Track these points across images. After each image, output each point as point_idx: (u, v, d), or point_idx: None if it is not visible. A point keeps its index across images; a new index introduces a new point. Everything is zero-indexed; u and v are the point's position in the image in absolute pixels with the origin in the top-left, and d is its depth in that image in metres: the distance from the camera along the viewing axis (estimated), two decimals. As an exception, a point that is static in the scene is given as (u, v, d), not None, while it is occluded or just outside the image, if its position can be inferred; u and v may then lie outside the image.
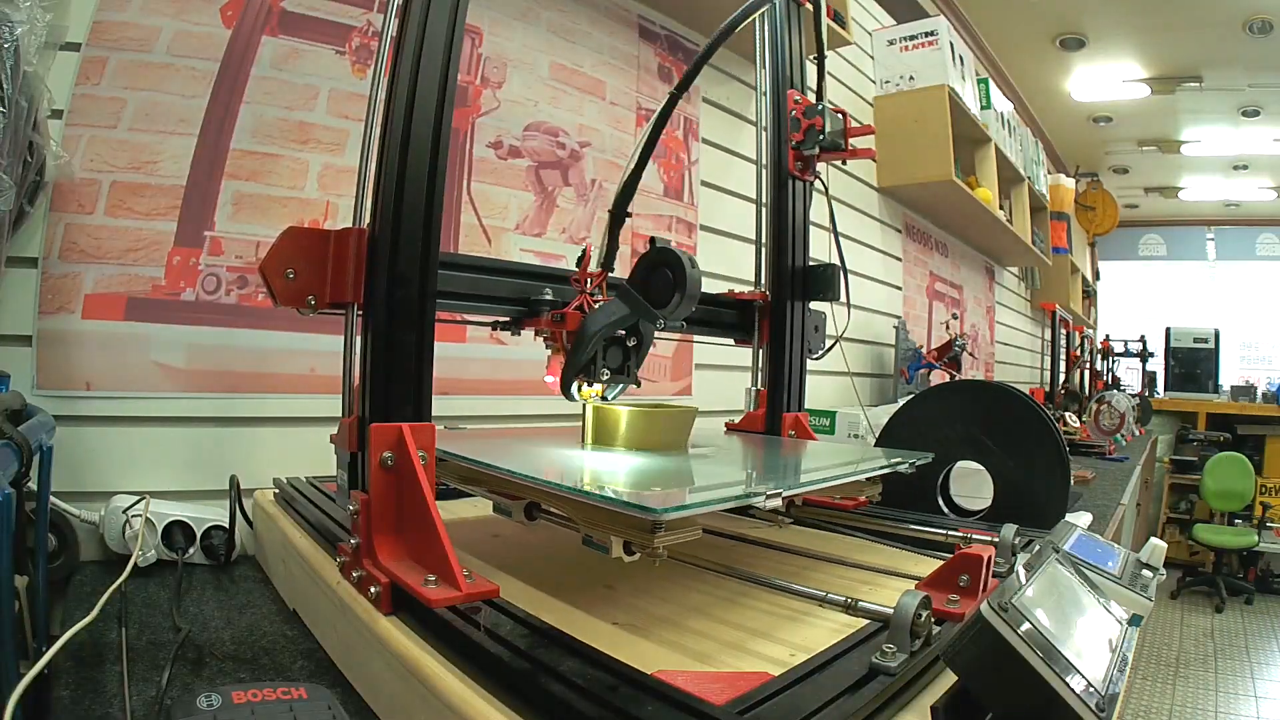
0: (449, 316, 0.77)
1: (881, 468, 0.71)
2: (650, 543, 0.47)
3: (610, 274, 0.71)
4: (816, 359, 1.03)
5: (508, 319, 0.75)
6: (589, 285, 0.70)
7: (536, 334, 0.75)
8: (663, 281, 0.67)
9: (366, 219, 0.59)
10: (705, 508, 0.47)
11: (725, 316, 0.99)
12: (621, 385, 0.71)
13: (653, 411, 0.70)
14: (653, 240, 0.70)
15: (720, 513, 0.88)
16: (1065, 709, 0.33)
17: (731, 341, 1.03)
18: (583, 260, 0.71)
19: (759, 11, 0.72)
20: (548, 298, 0.73)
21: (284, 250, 0.58)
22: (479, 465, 0.59)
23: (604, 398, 0.70)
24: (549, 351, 0.73)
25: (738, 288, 1.04)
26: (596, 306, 0.69)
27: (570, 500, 0.52)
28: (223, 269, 0.91)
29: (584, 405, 0.70)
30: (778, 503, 0.51)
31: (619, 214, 0.69)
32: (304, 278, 0.58)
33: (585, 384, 0.69)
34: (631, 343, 0.70)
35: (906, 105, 2.28)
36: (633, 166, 0.69)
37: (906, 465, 0.72)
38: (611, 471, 0.62)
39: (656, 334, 0.73)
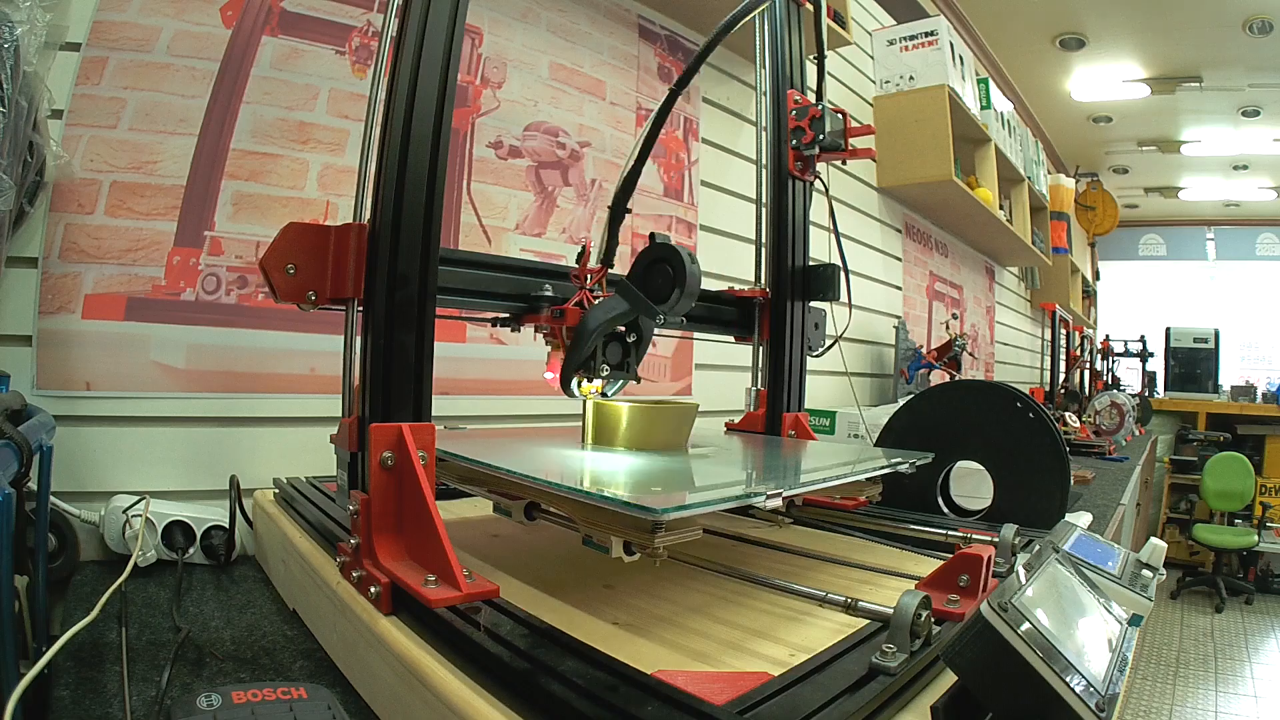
0: (448, 312, 0.76)
1: (882, 468, 0.70)
2: (650, 543, 0.47)
3: (610, 270, 0.71)
4: (816, 356, 1.03)
5: (507, 315, 0.75)
6: (589, 281, 0.70)
7: (536, 330, 0.74)
8: (662, 277, 0.67)
9: (367, 216, 0.59)
10: (706, 508, 0.47)
11: (725, 314, 0.99)
12: (621, 381, 0.71)
13: (654, 408, 0.70)
14: (652, 236, 0.70)
15: (720, 512, 0.88)
16: (1065, 709, 0.33)
17: (732, 339, 1.03)
18: (582, 256, 0.71)
19: (758, 10, 0.72)
20: (548, 294, 0.73)
21: (285, 245, 0.58)
22: (479, 465, 0.59)
23: (604, 394, 0.70)
24: (549, 348, 0.73)
25: (738, 287, 1.04)
26: (596, 302, 0.69)
27: (570, 500, 0.51)
28: (223, 269, 0.91)
29: (584, 403, 0.70)
30: (778, 503, 0.51)
31: (618, 210, 0.70)
32: (305, 273, 0.58)
33: (585, 379, 0.69)
34: (631, 339, 0.70)
35: (906, 105, 2.28)
36: (632, 163, 0.69)
37: (907, 465, 0.72)
38: (612, 471, 0.62)
39: (658, 332, 0.73)
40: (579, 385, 0.69)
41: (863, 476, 0.69)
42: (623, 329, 0.69)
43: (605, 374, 0.69)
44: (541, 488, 0.54)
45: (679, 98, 0.71)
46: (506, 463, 0.58)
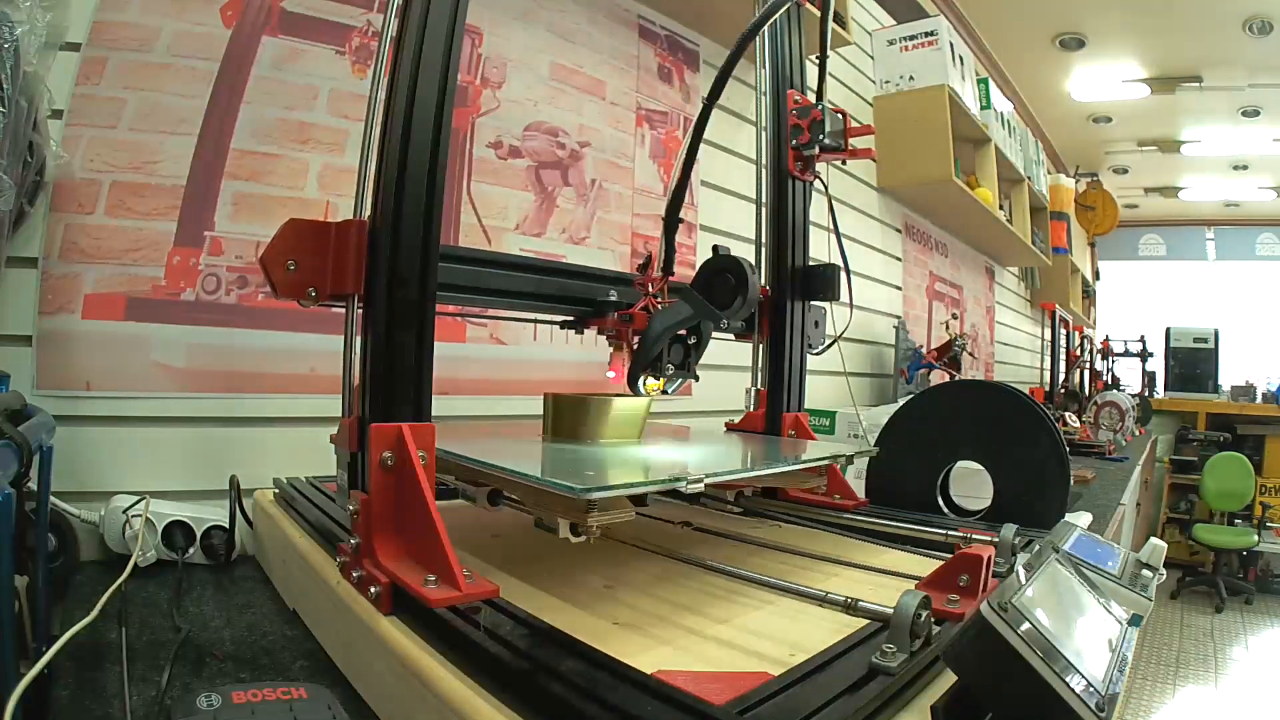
0: (521, 315, 0.86)
1: (820, 459, 0.74)
2: (585, 521, 0.51)
3: (670, 278, 0.76)
4: (816, 354, 1.03)
5: (572, 318, 0.81)
6: (653, 288, 0.75)
7: (600, 332, 0.80)
8: (724, 286, 0.76)
9: (367, 215, 0.59)
10: (629, 490, 0.50)
11: (726, 313, 1.00)
12: (682, 379, 0.76)
13: (603, 401, 0.72)
14: (715, 249, 0.79)
15: (719, 512, 0.88)
16: (1065, 709, 0.33)
17: (732, 337, 1.03)
18: (647, 265, 0.76)
19: (782, 10, 0.73)
20: (613, 299, 0.79)
21: (285, 241, 0.58)
22: (444, 454, 0.60)
23: (664, 390, 0.75)
24: (611, 349, 0.79)
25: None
26: (662, 308, 0.74)
27: (519, 484, 0.55)
28: (223, 269, 0.91)
29: (545, 400, 0.74)
30: (700, 487, 0.54)
31: (672, 221, 0.75)
32: (305, 269, 0.58)
33: (650, 378, 0.73)
34: (692, 341, 0.75)
35: (906, 105, 2.28)
36: (678, 176, 0.73)
37: (844, 459, 0.74)
38: (556, 459, 0.64)
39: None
40: (644, 383, 0.73)
41: (797, 467, 0.73)
42: (684, 332, 0.74)
43: (670, 373, 0.73)
44: (492, 472, 0.57)
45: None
46: (466, 450, 0.60)
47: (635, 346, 0.74)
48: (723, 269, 0.77)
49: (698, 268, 0.84)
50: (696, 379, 0.77)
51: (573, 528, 0.53)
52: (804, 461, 0.73)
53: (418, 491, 0.54)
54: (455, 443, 0.64)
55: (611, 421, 0.72)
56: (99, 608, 0.56)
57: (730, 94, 1.72)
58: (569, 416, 0.72)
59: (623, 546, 0.71)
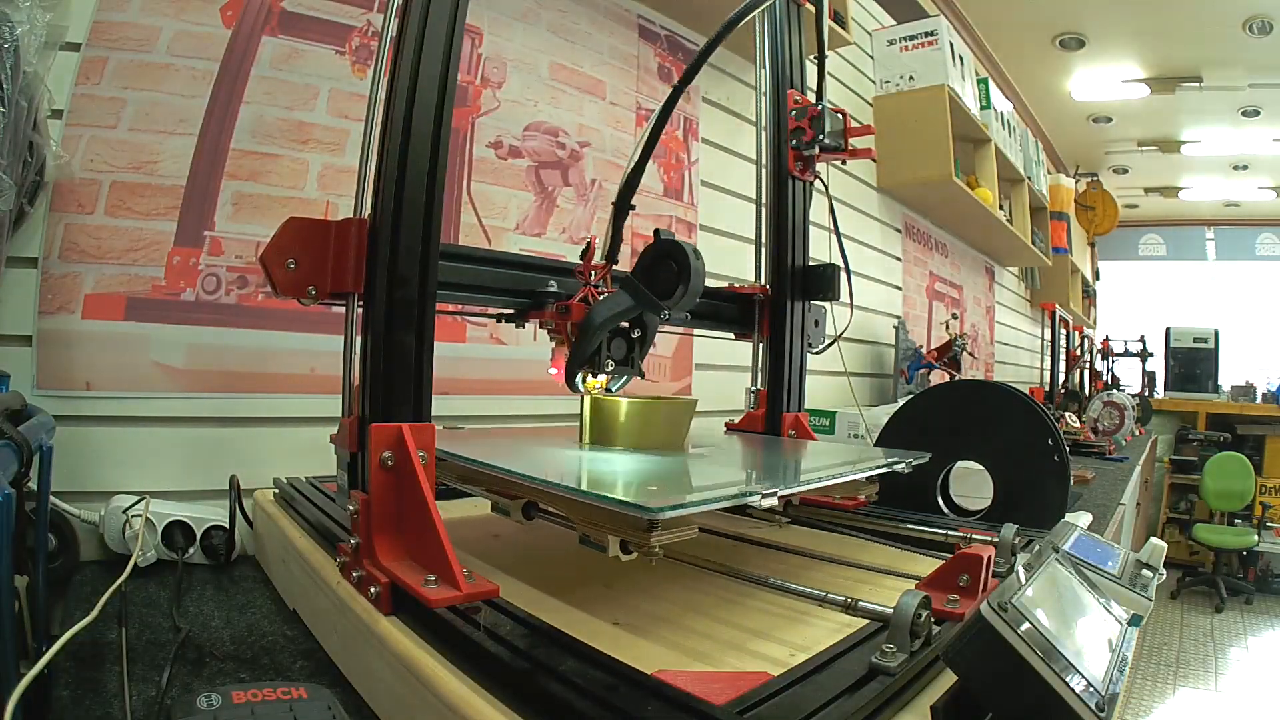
0: (450, 308, 0.76)
1: (878, 467, 0.70)
2: (647, 541, 0.47)
3: (614, 266, 0.71)
4: (816, 354, 1.03)
5: (511, 311, 0.75)
6: (593, 277, 0.70)
7: (540, 326, 0.74)
8: (667, 273, 0.67)
9: (367, 214, 0.59)
10: (701, 507, 0.47)
11: (726, 310, 0.99)
12: (626, 377, 0.71)
13: (651, 404, 0.69)
14: (657, 232, 0.70)
15: (719, 512, 0.88)
16: (1065, 709, 0.33)
17: (732, 336, 1.03)
18: (587, 253, 0.71)
19: (760, 9, 0.72)
20: (552, 290, 0.73)
21: (285, 240, 0.58)
22: (477, 465, 0.59)
23: (608, 389, 0.70)
24: (553, 344, 0.73)
25: (738, 284, 1.04)
26: (601, 298, 0.69)
27: (567, 500, 0.52)
28: (223, 269, 0.91)
29: (581, 401, 0.70)
30: (774, 502, 0.51)
31: (622, 206, 0.70)
32: (305, 267, 0.58)
33: (590, 375, 0.69)
34: (636, 334, 0.70)
35: (906, 105, 2.28)
36: (635, 160, 0.69)
37: (904, 465, 0.71)
38: (608, 470, 0.62)
39: (659, 330, 0.73)
40: (583, 381, 0.69)
41: (859, 476, 0.69)
42: (627, 325, 0.69)
43: (610, 369, 0.69)
44: (539, 487, 0.54)
45: (680, 97, 0.70)
46: (505, 462, 0.58)
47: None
48: (664, 254, 0.68)
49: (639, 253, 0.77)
50: (642, 375, 0.72)
51: (623, 545, 0.49)
52: (867, 470, 0.69)
53: (418, 491, 0.54)
54: (491, 453, 0.62)
55: (657, 427, 0.68)
56: (99, 608, 0.56)
57: (730, 94, 1.72)
58: (611, 420, 0.68)
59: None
